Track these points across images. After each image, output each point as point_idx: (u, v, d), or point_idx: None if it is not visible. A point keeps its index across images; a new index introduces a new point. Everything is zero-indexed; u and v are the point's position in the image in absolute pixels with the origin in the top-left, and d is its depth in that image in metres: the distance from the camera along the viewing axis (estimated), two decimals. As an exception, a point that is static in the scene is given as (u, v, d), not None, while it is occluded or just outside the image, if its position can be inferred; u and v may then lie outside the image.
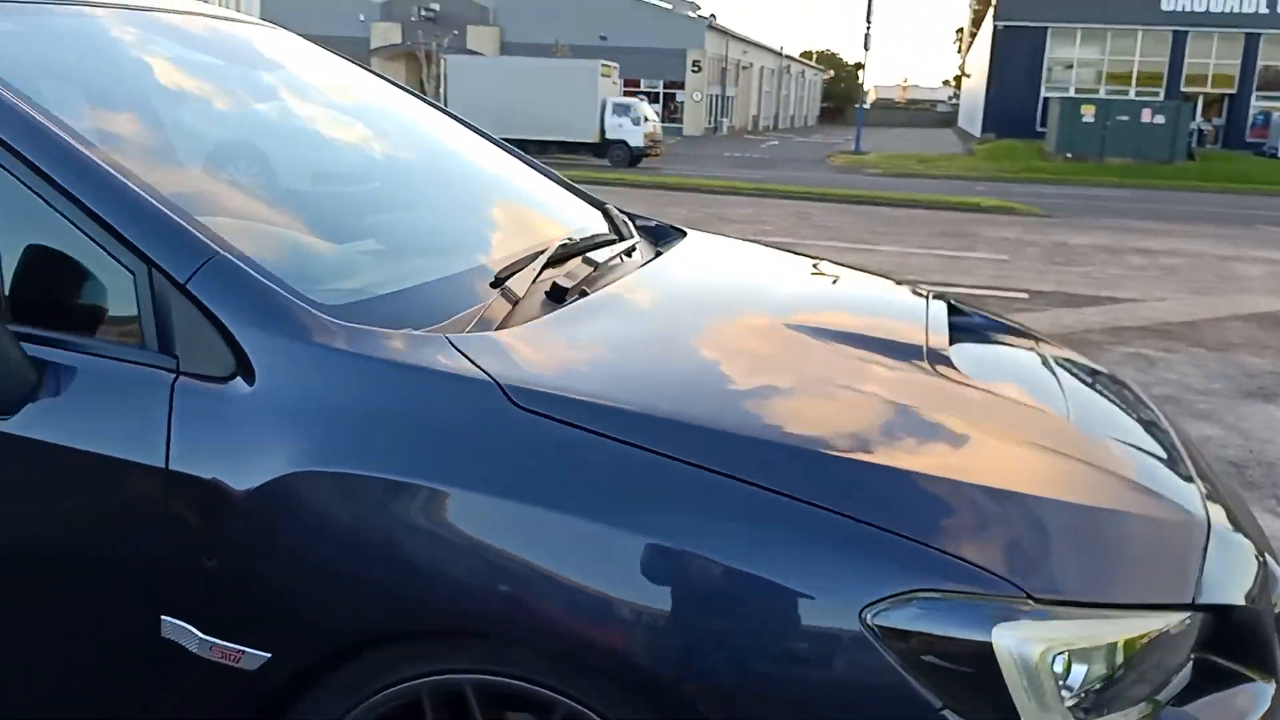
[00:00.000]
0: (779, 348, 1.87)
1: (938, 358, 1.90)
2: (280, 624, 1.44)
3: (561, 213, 2.52)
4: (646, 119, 27.37)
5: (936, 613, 1.30)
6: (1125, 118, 28.93)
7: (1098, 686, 1.38)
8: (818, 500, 1.35)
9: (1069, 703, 1.35)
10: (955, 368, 1.88)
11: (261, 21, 2.60)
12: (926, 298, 2.41)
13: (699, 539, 1.32)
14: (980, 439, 1.62)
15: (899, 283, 2.69)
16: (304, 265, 1.72)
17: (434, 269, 1.84)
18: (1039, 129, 36.22)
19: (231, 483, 1.41)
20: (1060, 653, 1.34)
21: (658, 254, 2.40)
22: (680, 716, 1.33)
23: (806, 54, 77.46)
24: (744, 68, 58.90)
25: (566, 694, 1.38)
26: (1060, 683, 1.35)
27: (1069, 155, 28.81)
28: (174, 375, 1.46)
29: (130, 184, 1.52)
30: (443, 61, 30.53)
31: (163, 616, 1.47)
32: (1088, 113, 29.53)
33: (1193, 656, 1.50)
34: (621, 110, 27.44)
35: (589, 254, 2.09)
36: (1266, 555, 1.73)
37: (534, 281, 1.79)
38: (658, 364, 1.68)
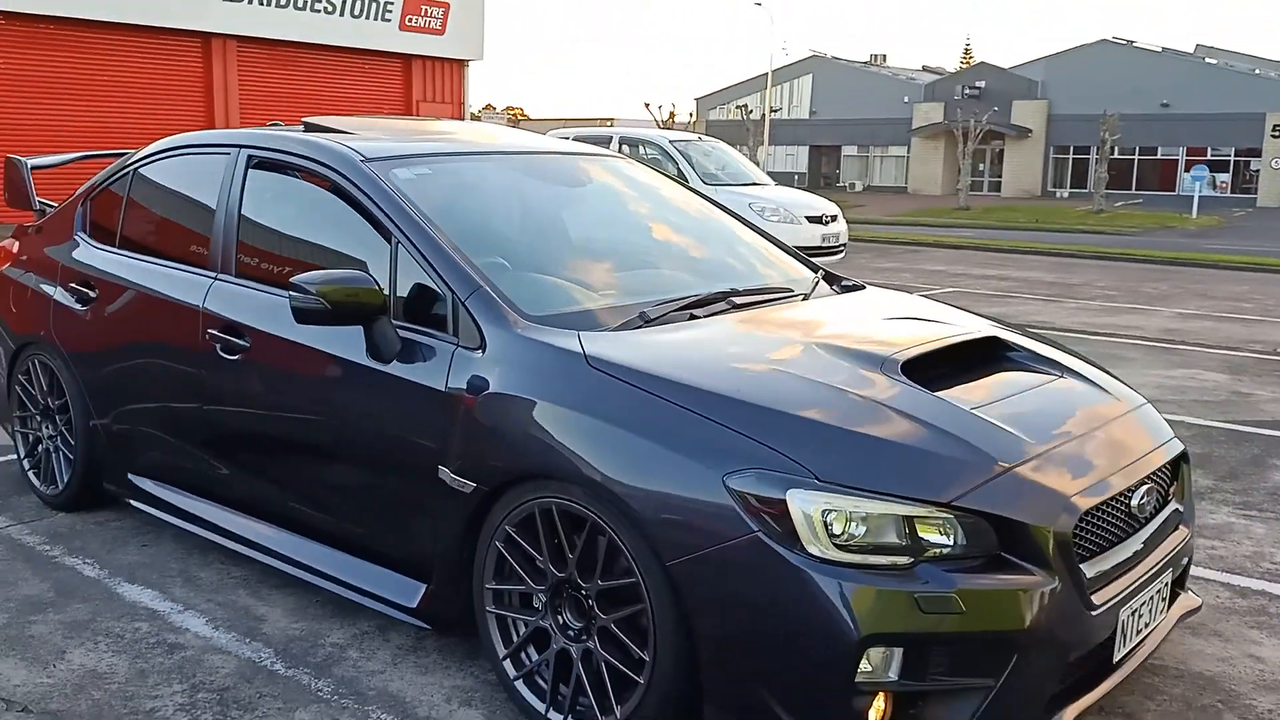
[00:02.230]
0: (779, 349, 2.88)
1: (891, 365, 2.76)
2: (480, 467, 2.76)
3: (748, 268, 3.74)
4: None
5: (761, 480, 2.33)
6: None
7: (859, 538, 2.29)
8: (718, 420, 2.46)
9: (835, 542, 2.29)
10: (898, 370, 2.74)
11: (602, 151, 4.16)
12: (970, 334, 3.14)
13: (647, 430, 2.50)
14: (847, 400, 2.58)
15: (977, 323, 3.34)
16: (534, 294, 3.03)
17: (611, 301, 3.12)
18: None
19: (470, 395, 2.78)
20: (830, 511, 2.30)
21: (804, 298, 3.44)
22: (635, 516, 2.44)
23: None
24: (1348, 129, 51.06)
25: (593, 511, 2.54)
26: (829, 529, 2.29)
27: None
28: (455, 346, 2.88)
29: (454, 255, 2.98)
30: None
31: (439, 465, 2.83)
32: None
33: (977, 546, 2.34)
34: None
35: (738, 298, 3.22)
36: (1076, 503, 2.50)
37: (669, 310, 3.06)
38: (684, 353, 2.79)
